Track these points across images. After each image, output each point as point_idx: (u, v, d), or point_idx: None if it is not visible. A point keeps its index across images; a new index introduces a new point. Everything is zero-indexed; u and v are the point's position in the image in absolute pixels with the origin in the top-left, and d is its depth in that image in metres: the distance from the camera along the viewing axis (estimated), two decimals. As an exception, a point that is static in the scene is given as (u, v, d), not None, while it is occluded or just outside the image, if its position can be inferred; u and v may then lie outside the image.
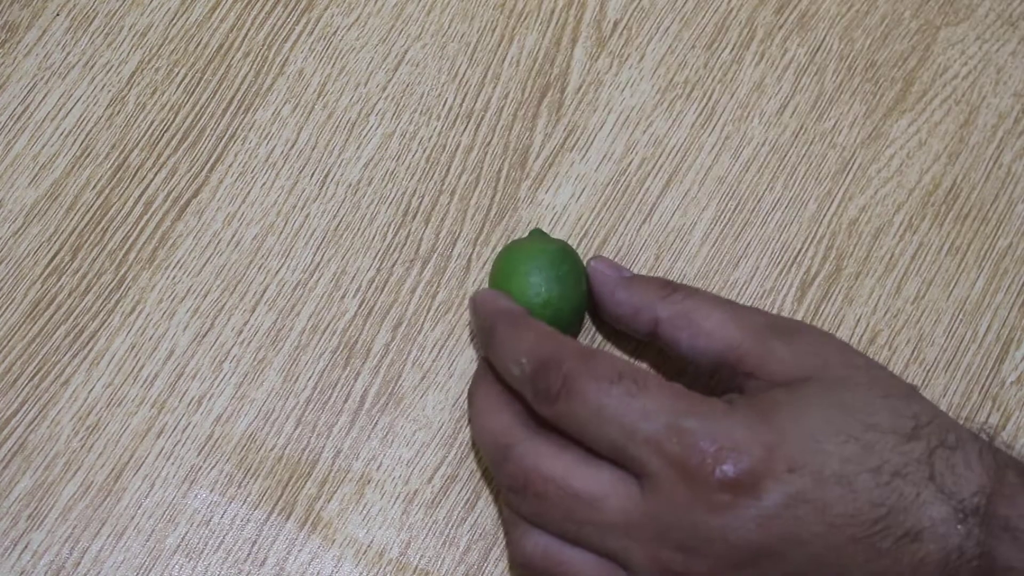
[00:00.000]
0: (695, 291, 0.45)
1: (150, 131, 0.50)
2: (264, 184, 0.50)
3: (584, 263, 0.47)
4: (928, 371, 0.49)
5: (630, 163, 0.51)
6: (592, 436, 0.40)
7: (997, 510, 0.39)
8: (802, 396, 0.40)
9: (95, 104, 0.51)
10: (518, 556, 0.42)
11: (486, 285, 0.49)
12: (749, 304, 0.49)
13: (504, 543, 0.46)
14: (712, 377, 0.44)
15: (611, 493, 0.40)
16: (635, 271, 0.49)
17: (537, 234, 0.48)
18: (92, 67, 0.51)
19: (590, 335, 0.48)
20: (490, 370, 0.44)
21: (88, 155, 0.50)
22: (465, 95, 0.51)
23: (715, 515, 0.38)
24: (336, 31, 0.52)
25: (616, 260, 0.49)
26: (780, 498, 0.38)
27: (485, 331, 0.44)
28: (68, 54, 0.51)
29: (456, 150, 0.51)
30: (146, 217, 0.49)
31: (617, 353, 0.48)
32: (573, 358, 0.41)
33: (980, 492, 0.39)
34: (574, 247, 0.49)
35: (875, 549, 0.38)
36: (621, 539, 0.40)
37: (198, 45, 0.52)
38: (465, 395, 0.47)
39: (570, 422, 0.41)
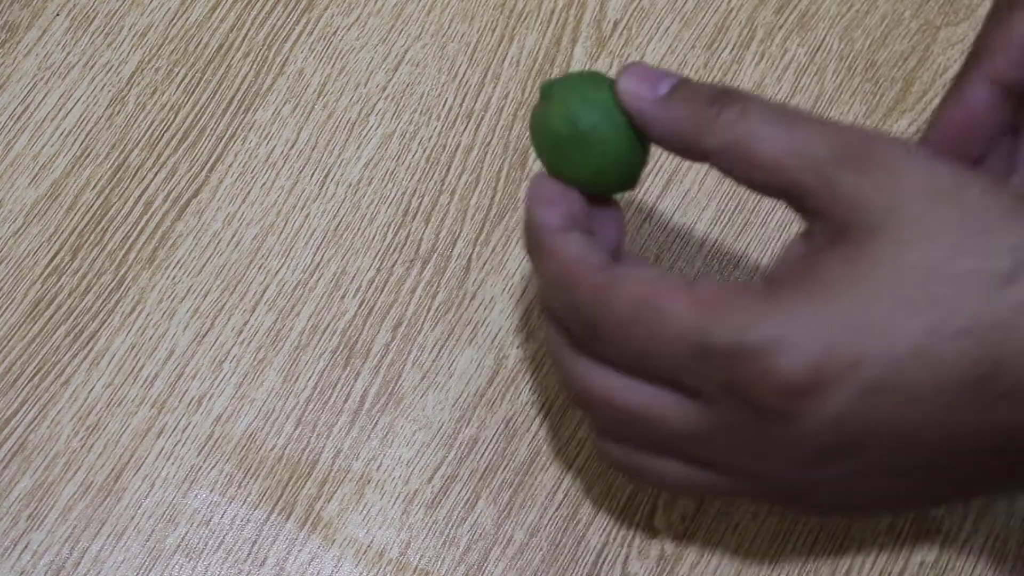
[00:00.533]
0: (748, 106, 0.37)
1: (150, 131, 0.50)
2: (264, 184, 0.50)
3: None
4: (928, 371, 0.49)
5: (630, 163, 0.51)
6: (640, 371, 0.37)
7: None
8: (865, 261, 0.34)
9: (95, 104, 0.51)
10: (605, 462, 0.41)
11: (487, 284, 0.49)
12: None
13: (502, 546, 0.46)
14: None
15: (667, 413, 0.37)
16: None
17: (544, 89, 0.40)
18: (92, 67, 0.51)
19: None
20: None
21: (88, 155, 0.50)
22: (465, 95, 0.51)
23: (780, 427, 0.35)
24: (336, 31, 0.52)
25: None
26: (850, 395, 0.34)
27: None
28: (68, 54, 0.51)
29: (456, 150, 0.51)
30: (146, 217, 0.49)
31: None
32: (589, 298, 0.37)
33: None
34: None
35: (973, 415, 0.34)
36: (697, 449, 0.37)
37: (198, 45, 0.52)
38: (465, 395, 0.47)
39: (614, 360, 0.37)
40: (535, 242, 0.39)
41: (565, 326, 0.39)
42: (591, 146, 0.38)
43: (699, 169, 0.51)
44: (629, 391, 0.37)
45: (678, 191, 0.50)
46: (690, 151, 0.38)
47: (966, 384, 0.34)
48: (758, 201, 0.50)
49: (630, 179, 0.40)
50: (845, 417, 0.34)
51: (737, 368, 0.34)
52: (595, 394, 0.38)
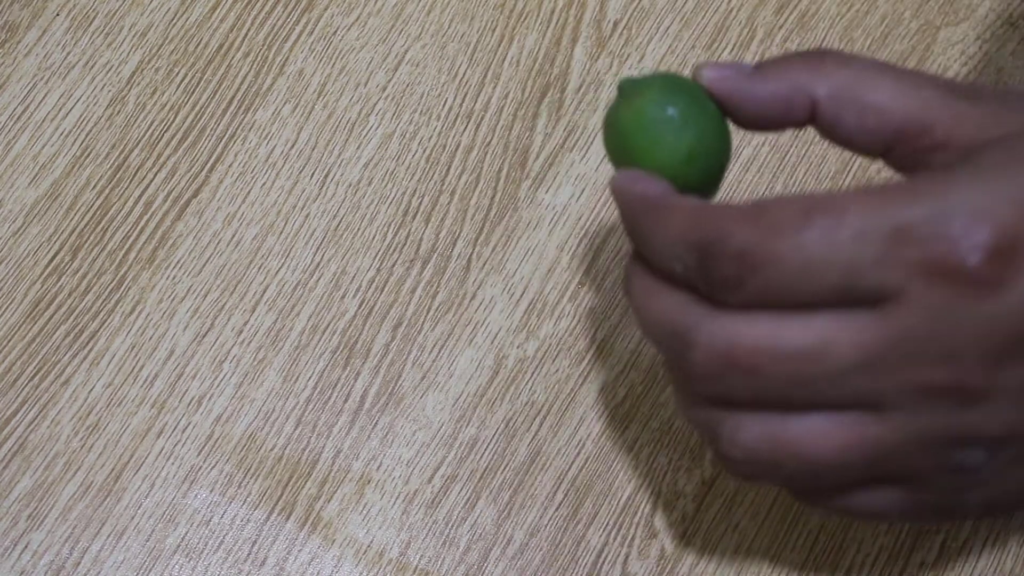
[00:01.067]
0: (846, 56, 0.37)
1: (150, 131, 0.50)
2: (264, 184, 0.50)
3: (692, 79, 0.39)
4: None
5: (630, 163, 0.51)
6: (807, 294, 0.34)
7: None
8: (1020, 144, 0.34)
9: (95, 104, 0.51)
10: (738, 454, 0.36)
11: (487, 284, 0.49)
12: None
13: (502, 546, 0.46)
14: (885, 158, 0.38)
15: (837, 334, 0.34)
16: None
17: (627, 85, 0.39)
18: (92, 67, 0.51)
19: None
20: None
21: (88, 155, 0.50)
22: (465, 95, 0.51)
23: (982, 303, 0.32)
24: (336, 31, 0.52)
25: (616, 261, 0.49)
26: None
27: (627, 229, 0.38)
28: (68, 54, 0.51)
29: (456, 150, 0.51)
30: (146, 217, 0.49)
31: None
32: (740, 227, 0.34)
33: None
34: (577, 242, 0.49)
35: None
36: (866, 378, 0.34)
37: (198, 45, 0.52)
38: (465, 395, 0.47)
39: (771, 296, 0.34)
40: (645, 210, 0.36)
41: (692, 285, 0.36)
42: (687, 126, 0.37)
43: (699, 169, 0.51)
44: (783, 324, 0.34)
45: (678, 191, 0.50)
46: (796, 106, 0.37)
47: None
48: (758, 201, 0.50)
49: (719, 170, 0.38)
50: None
51: (938, 239, 0.32)
52: (745, 339, 0.34)
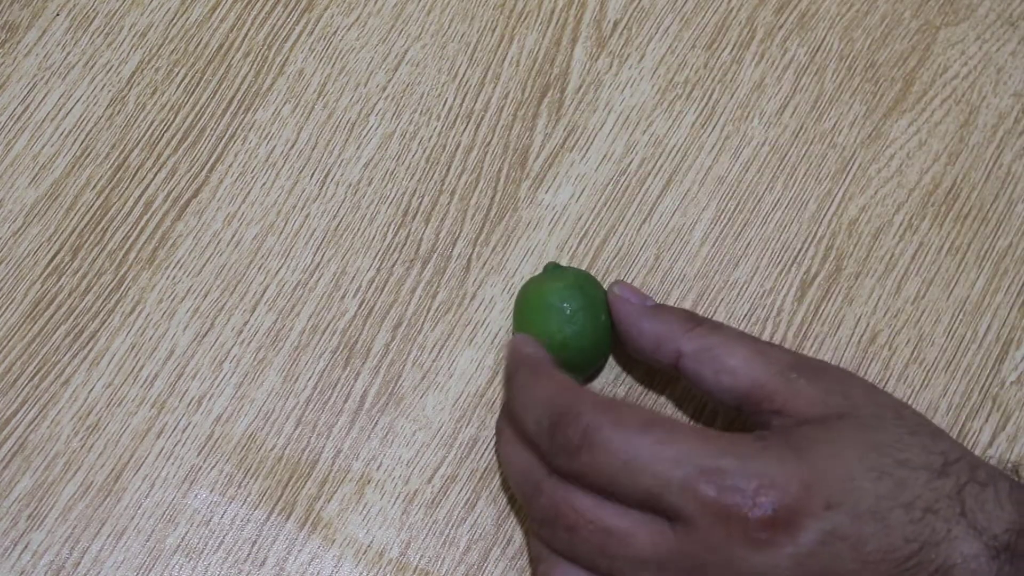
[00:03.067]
0: (719, 326, 0.44)
1: (150, 131, 0.50)
2: (264, 184, 0.50)
3: (606, 288, 0.46)
4: (928, 371, 0.49)
5: (630, 163, 0.51)
6: (621, 487, 0.40)
7: None
8: (835, 433, 0.40)
9: (95, 104, 0.51)
10: None
11: (487, 284, 0.49)
12: (749, 305, 0.49)
13: (502, 546, 0.46)
14: (739, 412, 0.43)
15: (642, 529, 0.40)
16: (635, 272, 0.49)
17: (551, 268, 0.47)
18: (92, 67, 0.51)
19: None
20: None
21: (88, 155, 0.50)
22: (465, 95, 0.51)
23: (753, 553, 0.38)
24: (336, 31, 0.52)
25: (615, 261, 0.49)
26: (817, 535, 0.38)
27: (506, 380, 0.44)
28: (68, 54, 0.51)
29: (456, 150, 0.51)
30: (146, 217, 0.49)
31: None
32: (593, 410, 0.40)
33: (1010, 529, 0.39)
34: (577, 242, 0.49)
35: None
36: (654, 574, 0.40)
37: (198, 45, 0.52)
38: (465, 395, 0.47)
39: (595, 475, 0.40)
40: (530, 367, 0.43)
41: (541, 447, 0.41)
42: (570, 322, 0.45)
43: (699, 169, 0.51)
44: (607, 508, 0.40)
45: (678, 191, 0.50)
46: (665, 350, 0.44)
47: (899, 559, 0.38)
48: (758, 201, 0.50)
49: (588, 365, 0.45)
50: (809, 555, 0.38)
51: (731, 489, 0.38)
52: (575, 501, 0.40)
